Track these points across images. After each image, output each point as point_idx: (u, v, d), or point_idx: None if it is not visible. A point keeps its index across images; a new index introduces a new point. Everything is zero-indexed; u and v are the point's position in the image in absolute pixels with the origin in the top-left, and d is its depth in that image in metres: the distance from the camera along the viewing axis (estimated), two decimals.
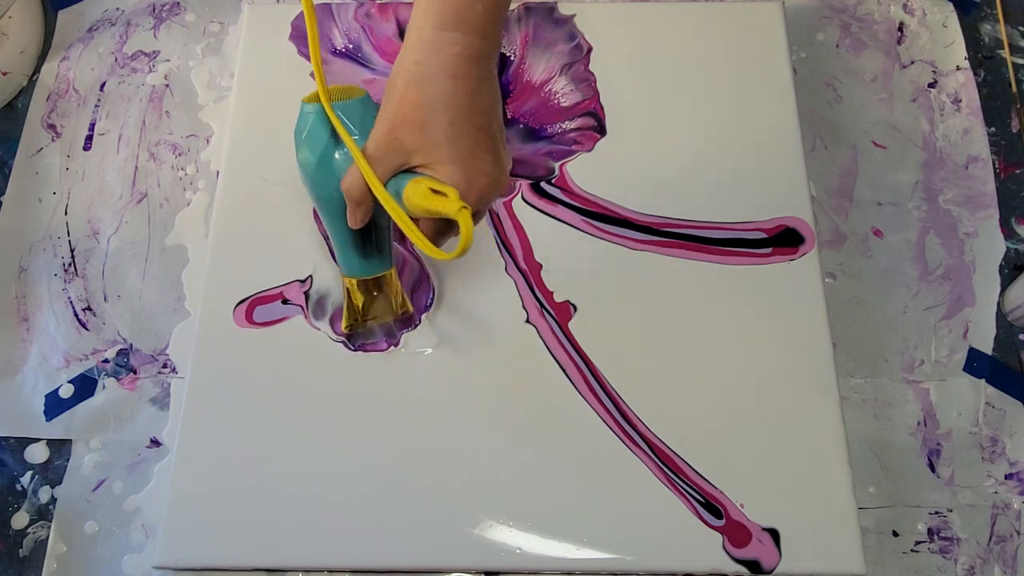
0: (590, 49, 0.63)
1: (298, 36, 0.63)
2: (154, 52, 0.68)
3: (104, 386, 0.57)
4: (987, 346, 0.57)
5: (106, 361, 0.58)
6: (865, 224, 0.61)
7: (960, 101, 0.65)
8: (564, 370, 0.53)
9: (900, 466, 0.54)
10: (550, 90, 0.62)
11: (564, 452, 0.51)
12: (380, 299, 0.52)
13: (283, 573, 0.51)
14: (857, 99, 0.65)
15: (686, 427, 0.51)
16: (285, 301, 0.55)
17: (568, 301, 0.55)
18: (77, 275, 0.60)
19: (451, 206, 0.40)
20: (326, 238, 0.56)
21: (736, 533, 0.49)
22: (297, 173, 0.48)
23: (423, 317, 0.55)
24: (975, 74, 0.66)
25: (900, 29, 0.67)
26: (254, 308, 0.55)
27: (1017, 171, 0.63)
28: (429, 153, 0.42)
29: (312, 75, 0.62)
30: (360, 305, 0.52)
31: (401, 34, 0.64)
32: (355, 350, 0.54)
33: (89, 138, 0.65)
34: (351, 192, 0.44)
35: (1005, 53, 0.66)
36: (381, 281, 0.52)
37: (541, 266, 0.56)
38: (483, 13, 0.41)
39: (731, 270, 0.55)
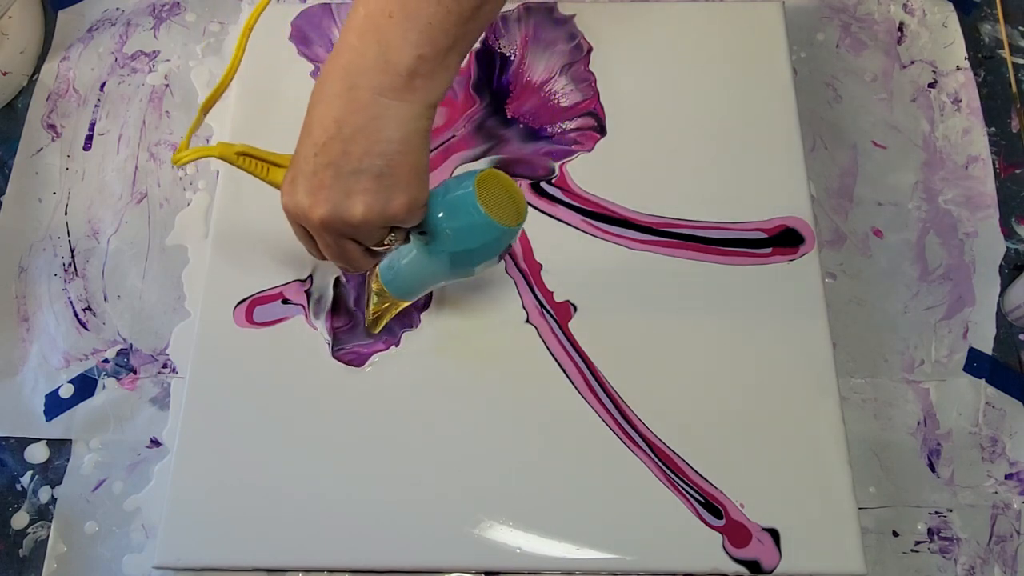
0: (590, 49, 0.63)
1: (298, 36, 0.63)
2: (154, 52, 0.68)
3: (104, 386, 0.57)
4: (987, 346, 0.57)
5: (106, 361, 0.58)
6: (865, 224, 0.61)
7: (960, 101, 0.65)
8: (564, 370, 0.53)
9: (900, 466, 0.54)
10: (550, 90, 0.62)
11: (564, 452, 0.51)
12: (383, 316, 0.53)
13: (283, 573, 0.51)
14: (857, 99, 0.65)
15: (686, 427, 0.51)
16: (285, 301, 0.55)
17: (568, 301, 0.55)
18: (77, 275, 0.60)
19: (275, 174, 0.43)
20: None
21: (736, 533, 0.49)
22: None
23: (422, 317, 0.55)
24: (975, 74, 0.66)
25: (900, 29, 0.67)
26: (254, 308, 0.55)
27: (1017, 171, 0.63)
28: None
29: (312, 75, 0.62)
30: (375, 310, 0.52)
31: None
32: (341, 352, 0.54)
33: (89, 138, 0.65)
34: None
35: (1005, 53, 0.66)
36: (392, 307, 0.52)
37: (541, 266, 0.56)
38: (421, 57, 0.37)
39: (731, 270, 0.55)
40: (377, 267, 0.50)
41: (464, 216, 0.43)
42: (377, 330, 0.53)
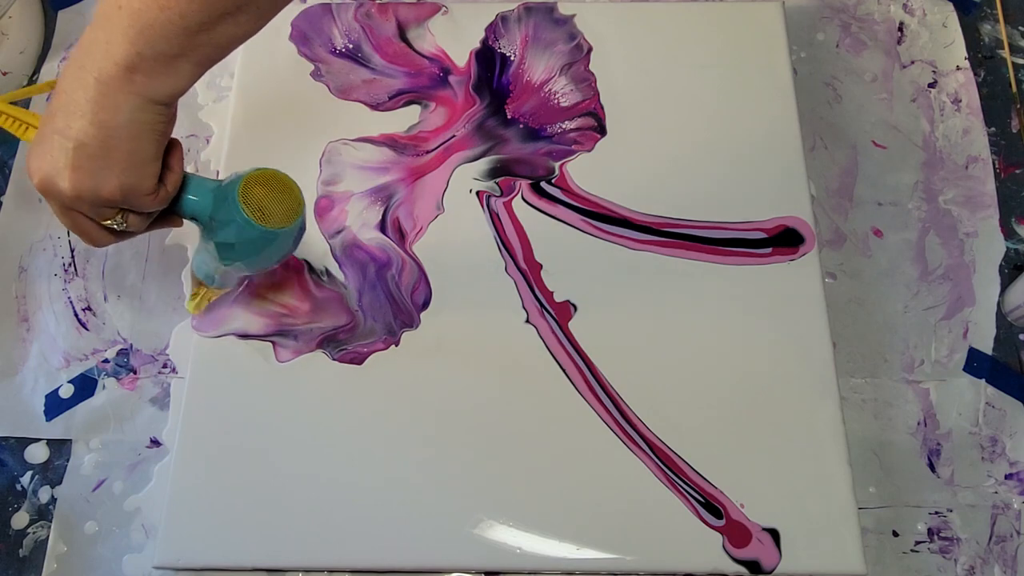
0: (590, 49, 0.63)
1: (298, 36, 0.63)
2: None
3: (104, 386, 0.57)
4: (987, 346, 0.57)
5: (106, 361, 0.58)
6: (865, 224, 0.61)
7: (960, 101, 0.65)
8: (564, 370, 0.53)
9: (900, 466, 0.54)
10: (550, 90, 0.62)
11: (564, 452, 0.51)
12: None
13: (283, 573, 0.51)
14: (857, 99, 0.65)
15: (686, 427, 0.51)
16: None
17: (568, 301, 0.55)
18: (77, 275, 0.60)
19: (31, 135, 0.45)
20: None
21: (736, 533, 0.49)
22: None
23: (422, 317, 0.55)
24: (975, 74, 0.66)
25: (900, 29, 0.67)
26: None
27: (1017, 171, 0.63)
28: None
29: (312, 75, 0.62)
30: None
31: (401, 34, 0.64)
32: (334, 359, 0.54)
33: None
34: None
35: (1005, 53, 0.66)
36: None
37: (541, 266, 0.56)
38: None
39: (731, 270, 0.55)
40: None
41: (224, 211, 0.43)
42: (197, 312, 0.53)
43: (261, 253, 0.45)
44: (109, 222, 0.43)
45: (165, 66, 0.39)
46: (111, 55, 0.38)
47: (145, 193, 0.42)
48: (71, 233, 0.61)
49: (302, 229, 0.46)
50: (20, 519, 0.54)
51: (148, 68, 0.38)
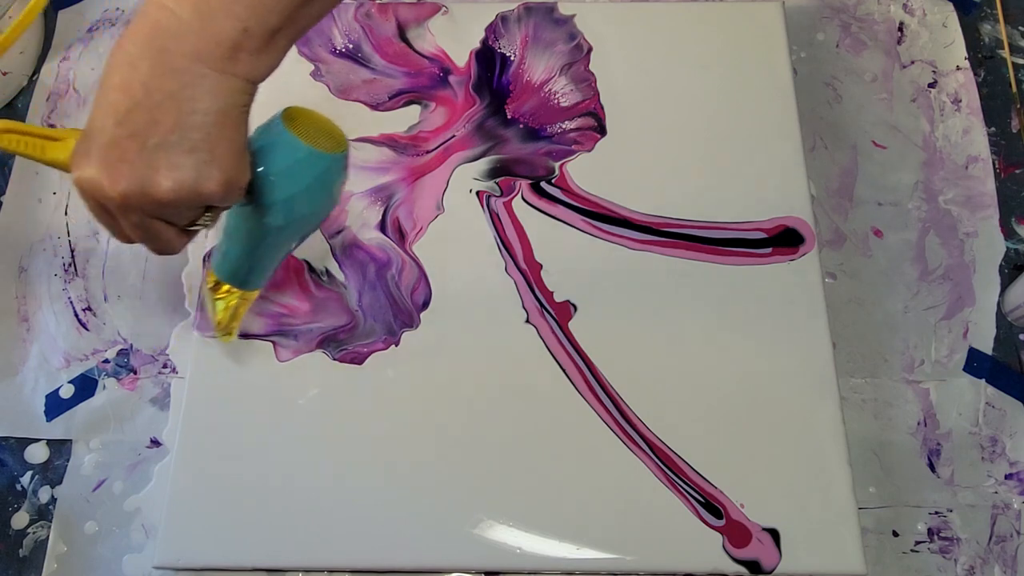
0: (590, 49, 0.63)
1: None
2: None
3: (104, 386, 0.57)
4: (987, 346, 0.57)
5: (106, 361, 0.58)
6: (865, 224, 0.61)
7: (960, 101, 0.65)
8: (564, 370, 0.53)
9: (900, 466, 0.54)
10: (550, 90, 0.62)
11: (564, 452, 0.51)
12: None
13: (283, 573, 0.51)
14: (857, 99, 0.65)
15: (686, 427, 0.51)
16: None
17: (568, 301, 0.55)
18: (77, 275, 0.60)
19: (54, 151, 0.38)
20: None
21: (736, 533, 0.49)
22: None
23: (422, 317, 0.55)
24: (975, 74, 0.66)
25: (900, 29, 0.67)
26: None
27: (1017, 171, 0.63)
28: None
29: (312, 75, 0.62)
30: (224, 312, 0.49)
31: (401, 34, 0.64)
32: (335, 359, 0.54)
33: None
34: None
35: (1005, 53, 0.66)
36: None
37: (541, 266, 0.56)
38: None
39: (731, 270, 0.55)
40: (208, 268, 0.46)
41: (283, 155, 0.39)
42: (233, 335, 0.50)
43: (331, 189, 0.42)
44: (199, 223, 0.39)
45: (267, 42, 0.35)
46: (211, 34, 0.33)
47: (242, 185, 0.38)
48: (71, 233, 0.62)
49: (346, 166, 0.42)
50: (20, 519, 0.54)
51: (253, 46, 0.34)
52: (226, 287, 0.47)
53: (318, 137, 0.41)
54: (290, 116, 0.41)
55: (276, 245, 0.44)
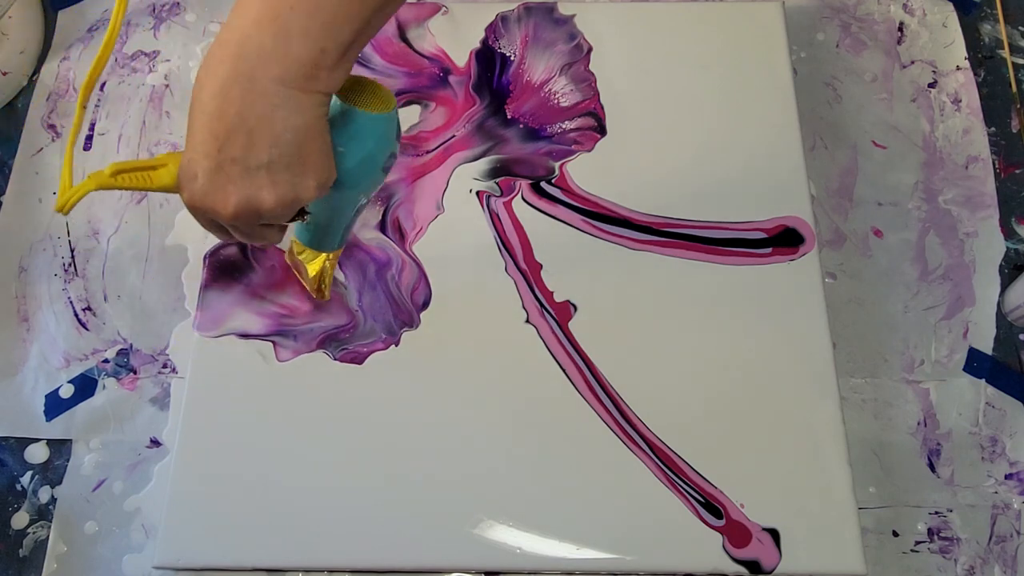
0: (590, 49, 0.63)
1: None
2: (154, 52, 0.68)
3: (104, 386, 0.57)
4: (987, 346, 0.57)
5: (106, 361, 0.58)
6: (865, 224, 0.61)
7: (960, 101, 0.65)
8: (564, 370, 0.53)
9: (900, 466, 0.54)
10: (550, 90, 0.62)
11: (564, 452, 0.51)
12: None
13: (283, 573, 0.51)
14: (857, 99, 0.65)
15: (686, 427, 0.51)
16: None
17: (568, 301, 0.55)
18: (77, 275, 0.60)
19: (159, 177, 0.41)
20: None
21: (736, 533, 0.49)
22: None
23: (422, 317, 0.55)
24: (975, 74, 0.66)
25: (900, 29, 0.67)
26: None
27: (1017, 171, 0.63)
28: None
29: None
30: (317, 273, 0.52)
31: (401, 34, 0.64)
32: (336, 359, 0.54)
33: (89, 138, 0.65)
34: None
35: (1005, 53, 0.66)
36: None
37: (541, 266, 0.56)
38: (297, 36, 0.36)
39: (731, 270, 0.55)
40: (292, 238, 0.50)
41: (346, 128, 0.42)
42: (328, 294, 0.53)
43: (393, 143, 0.45)
44: (299, 217, 0.43)
45: (342, 57, 0.38)
46: (292, 58, 0.36)
47: (331, 183, 0.41)
48: (71, 233, 0.62)
49: (398, 120, 0.45)
50: (20, 519, 0.54)
51: (331, 63, 0.37)
52: (312, 252, 0.50)
53: (371, 101, 0.43)
54: (342, 88, 0.43)
55: (351, 207, 0.47)
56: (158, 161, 0.42)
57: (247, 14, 0.36)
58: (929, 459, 0.54)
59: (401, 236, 0.57)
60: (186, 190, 0.40)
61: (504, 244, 0.57)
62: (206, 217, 0.41)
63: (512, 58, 0.63)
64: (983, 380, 0.56)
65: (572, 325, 0.54)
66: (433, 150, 0.60)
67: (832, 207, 0.61)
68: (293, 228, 0.49)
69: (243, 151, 0.38)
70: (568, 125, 0.60)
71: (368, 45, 0.63)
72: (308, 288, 0.53)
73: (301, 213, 0.43)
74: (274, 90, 0.37)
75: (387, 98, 0.44)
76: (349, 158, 0.43)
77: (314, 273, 0.51)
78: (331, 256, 0.51)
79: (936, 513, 0.53)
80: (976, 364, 0.57)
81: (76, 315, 0.59)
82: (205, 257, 0.57)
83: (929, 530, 0.53)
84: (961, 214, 0.61)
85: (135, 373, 0.57)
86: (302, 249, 0.50)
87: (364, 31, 0.38)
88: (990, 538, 0.53)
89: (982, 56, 0.67)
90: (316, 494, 0.50)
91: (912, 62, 0.66)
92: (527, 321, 0.54)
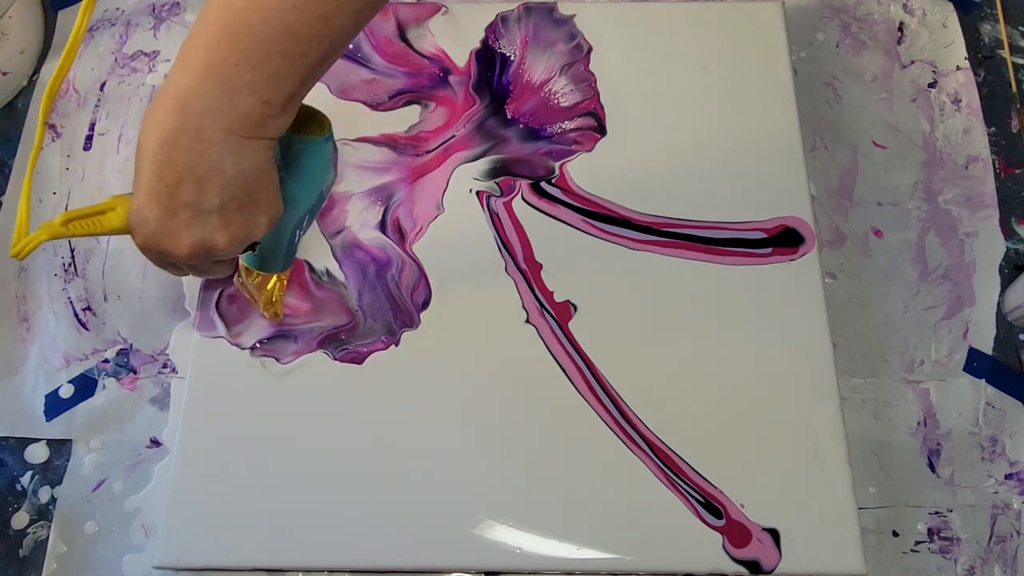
0: (590, 49, 0.63)
1: None
2: (154, 52, 0.68)
3: (104, 386, 0.57)
4: (987, 346, 0.57)
5: (106, 361, 0.58)
6: (865, 224, 0.61)
7: (960, 101, 0.65)
8: (564, 370, 0.53)
9: (900, 466, 0.54)
10: (550, 90, 0.62)
11: (564, 452, 0.51)
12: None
13: (283, 573, 0.51)
14: (857, 99, 0.65)
15: (686, 427, 0.51)
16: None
17: (568, 301, 0.55)
18: (77, 275, 0.60)
19: (109, 220, 0.42)
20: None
21: (736, 533, 0.49)
22: None
23: (422, 317, 0.55)
24: (975, 74, 0.66)
25: (900, 29, 0.67)
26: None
27: (1017, 171, 0.63)
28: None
29: None
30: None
31: (401, 34, 0.64)
32: (336, 359, 0.54)
33: (89, 138, 0.65)
34: None
35: (1005, 53, 0.66)
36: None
37: (541, 266, 0.56)
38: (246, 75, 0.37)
39: (731, 270, 0.55)
40: (241, 263, 0.51)
41: (285, 155, 0.44)
42: (281, 314, 0.54)
43: (331, 162, 0.46)
44: (250, 249, 0.45)
45: (287, 106, 0.39)
46: (239, 111, 0.37)
47: (280, 215, 0.43)
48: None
49: (333, 140, 0.47)
50: (20, 519, 0.54)
51: (276, 112, 0.38)
52: (262, 274, 0.51)
53: (310, 127, 0.45)
54: None
55: (297, 228, 0.49)
56: (106, 205, 0.43)
57: (191, 68, 0.37)
58: (929, 459, 0.54)
59: (401, 236, 0.57)
60: (139, 234, 0.41)
61: (504, 244, 0.57)
62: (160, 258, 0.43)
63: (512, 58, 0.63)
64: (983, 380, 0.56)
65: (572, 325, 0.54)
66: (433, 150, 0.60)
67: (832, 207, 0.61)
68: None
69: (194, 197, 0.39)
70: (568, 125, 0.60)
71: (368, 45, 0.63)
72: (261, 309, 0.53)
73: (252, 246, 0.45)
74: (222, 139, 0.38)
75: (324, 120, 0.45)
76: (293, 184, 0.45)
77: (266, 295, 0.52)
78: (281, 276, 0.51)
79: (936, 513, 0.53)
80: (976, 364, 0.57)
81: (76, 315, 0.59)
82: None
83: (929, 530, 0.53)
84: (961, 214, 0.61)
85: (135, 373, 0.57)
86: (251, 272, 0.51)
87: (309, 79, 0.39)
88: (990, 538, 0.53)
89: (982, 56, 0.67)
90: (316, 494, 0.50)
91: (912, 62, 0.66)
92: (527, 321, 0.54)
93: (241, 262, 0.51)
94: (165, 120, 0.38)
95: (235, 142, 0.38)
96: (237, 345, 0.54)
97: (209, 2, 0.37)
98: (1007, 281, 0.59)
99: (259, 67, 0.37)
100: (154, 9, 0.69)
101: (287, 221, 0.47)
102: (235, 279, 0.52)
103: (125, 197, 0.42)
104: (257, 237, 0.43)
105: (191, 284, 0.59)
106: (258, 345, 0.54)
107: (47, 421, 0.56)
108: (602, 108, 0.61)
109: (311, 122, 0.45)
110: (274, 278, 0.51)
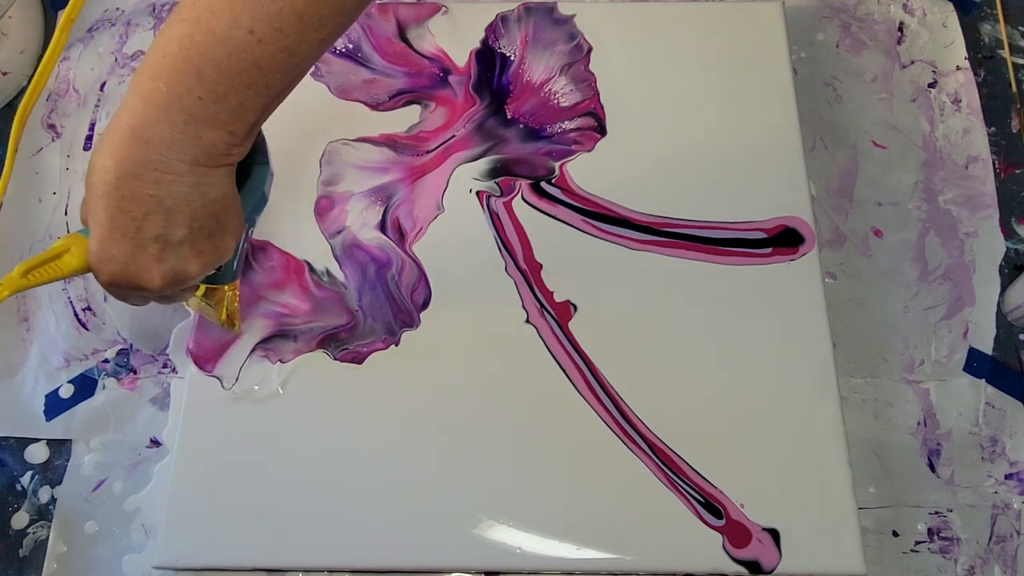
0: (590, 49, 0.63)
1: None
2: None
3: (104, 386, 0.57)
4: (987, 346, 0.57)
5: (106, 361, 0.58)
6: (865, 224, 0.61)
7: (960, 101, 0.65)
8: (564, 370, 0.53)
9: (900, 466, 0.54)
10: (550, 90, 0.62)
11: (564, 452, 0.51)
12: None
13: (283, 573, 0.51)
14: (857, 99, 0.65)
15: (686, 427, 0.51)
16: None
17: (568, 301, 0.55)
18: None
19: (67, 262, 0.41)
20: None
21: (736, 533, 0.49)
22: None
23: (422, 317, 0.55)
24: (975, 74, 0.66)
25: (900, 29, 0.67)
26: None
27: (1017, 171, 0.63)
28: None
29: (312, 74, 0.62)
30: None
31: (401, 34, 0.64)
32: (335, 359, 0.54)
33: (89, 138, 0.65)
34: None
35: (1005, 53, 0.66)
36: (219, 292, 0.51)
37: (541, 266, 0.56)
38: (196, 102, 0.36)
39: (731, 270, 0.55)
40: None
41: (242, 181, 0.44)
42: (239, 325, 0.53)
43: (258, 184, 0.46)
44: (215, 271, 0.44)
45: (249, 134, 0.39)
46: (204, 143, 0.37)
47: (244, 235, 0.44)
48: None
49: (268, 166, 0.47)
50: (20, 519, 0.54)
51: (239, 141, 0.39)
52: (212, 288, 0.50)
53: (255, 152, 0.45)
54: None
55: (244, 241, 0.48)
56: (60, 247, 0.42)
57: (150, 99, 0.36)
58: (929, 459, 0.54)
59: (401, 236, 0.57)
60: (103, 272, 0.40)
61: (504, 244, 0.57)
62: (129, 292, 0.42)
63: (512, 58, 0.63)
64: (983, 380, 0.56)
65: (572, 325, 0.54)
66: (433, 150, 0.60)
67: (832, 207, 0.61)
68: None
69: (163, 229, 0.39)
70: (568, 125, 0.60)
71: (368, 45, 0.63)
72: (217, 323, 0.52)
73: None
74: (189, 170, 0.37)
75: (261, 143, 0.46)
76: (247, 206, 0.45)
77: (220, 308, 0.51)
78: (231, 287, 0.50)
79: (936, 513, 0.53)
80: (976, 364, 0.57)
81: (76, 315, 0.59)
82: None
83: (929, 530, 0.53)
84: (961, 214, 0.61)
85: (135, 373, 0.57)
86: (202, 288, 0.50)
87: (272, 106, 0.39)
88: (990, 538, 0.53)
89: (982, 56, 0.67)
90: (316, 494, 0.50)
91: (912, 62, 0.66)
92: (527, 321, 0.54)
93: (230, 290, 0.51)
94: (126, 153, 0.37)
95: (201, 172, 0.38)
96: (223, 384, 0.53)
97: (165, 33, 0.36)
98: (1007, 281, 0.59)
99: (223, 100, 0.36)
100: (154, 9, 0.69)
101: None
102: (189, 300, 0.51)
103: (78, 236, 0.41)
104: (227, 260, 0.43)
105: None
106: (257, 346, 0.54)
107: (47, 421, 0.56)
108: (602, 108, 0.61)
109: (256, 147, 0.45)
110: (223, 290, 0.50)
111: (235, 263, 0.48)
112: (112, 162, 0.37)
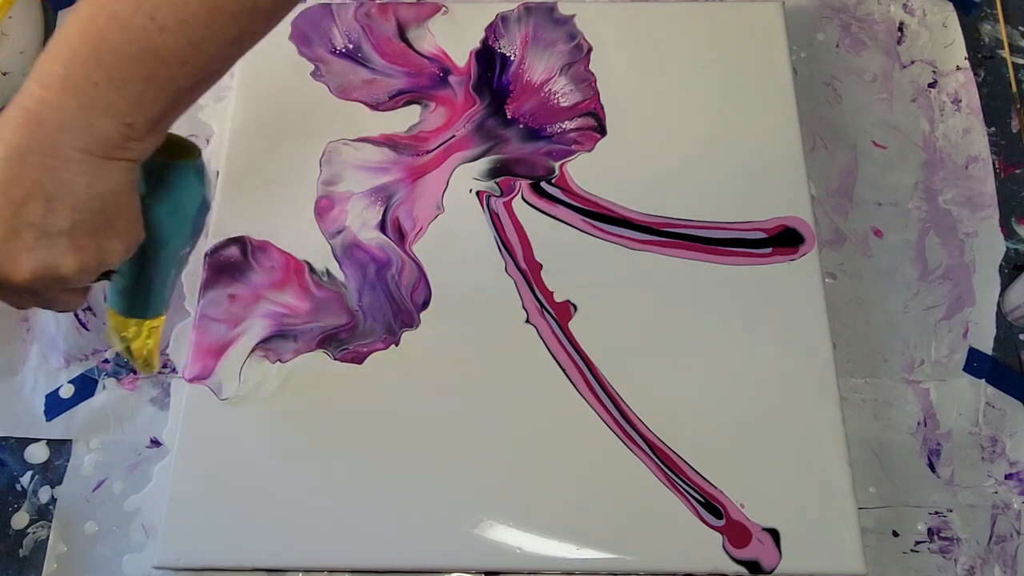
0: (590, 49, 0.63)
1: (298, 36, 0.63)
2: None
3: (104, 386, 0.57)
4: (987, 346, 0.57)
5: (106, 361, 0.58)
6: (865, 224, 0.61)
7: (960, 101, 0.65)
8: (564, 370, 0.53)
9: (900, 466, 0.54)
10: (550, 90, 0.62)
11: (564, 452, 0.51)
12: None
13: (283, 573, 0.51)
14: (857, 99, 0.65)
15: (686, 427, 0.51)
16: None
17: (568, 301, 0.55)
18: None
19: None
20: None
21: (736, 533, 0.49)
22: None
23: (422, 317, 0.55)
24: (975, 74, 0.66)
25: (900, 29, 0.67)
26: None
27: (1017, 171, 0.63)
28: None
29: (312, 75, 0.62)
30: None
31: (401, 34, 0.64)
32: (335, 359, 0.54)
33: None
34: None
35: (1005, 53, 0.66)
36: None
37: (541, 266, 0.56)
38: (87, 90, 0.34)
39: (731, 270, 0.55)
40: (107, 311, 0.46)
41: (150, 181, 0.41)
42: (156, 366, 0.49)
43: (205, 189, 0.43)
44: (99, 280, 0.41)
45: (151, 130, 0.37)
46: (98, 130, 0.35)
47: (138, 243, 0.40)
48: None
49: (205, 169, 0.44)
50: (20, 519, 0.54)
51: (138, 135, 0.36)
52: (133, 322, 0.46)
53: (175, 151, 0.42)
54: None
55: (166, 265, 0.45)
56: None
57: (48, 82, 0.35)
58: (929, 459, 0.54)
59: (401, 236, 0.57)
60: None
61: (504, 244, 0.57)
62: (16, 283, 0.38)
63: (512, 58, 0.63)
64: (983, 380, 0.56)
65: (572, 325, 0.54)
66: (433, 150, 0.60)
67: (832, 207, 0.61)
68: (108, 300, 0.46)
69: (41, 217, 0.36)
70: (568, 125, 0.60)
71: (368, 45, 0.63)
72: (131, 361, 0.48)
73: (107, 274, 0.41)
74: (79, 158, 0.35)
75: (191, 147, 0.43)
76: (160, 210, 0.41)
77: (138, 346, 0.47)
78: (152, 324, 0.47)
79: (936, 513, 0.53)
80: (976, 364, 0.57)
81: (76, 315, 0.59)
82: (205, 256, 0.57)
83: (929, 530, 0.53)
84: (961, 214, 0.61)
85: (135, 373, 0.57)
86: (121, 322, 0.46)
87: (179, 104, 0.37)
88: (990, 538, 0.53)
89: (982, 56, 0.67)
90: (316, 494, 0.50)
91: (912, 62, 0.66)
92: (527, 321, 0.54)
93: (110, 310, 0.46)
94: (14, 134, 0.35)
95: (92, 162, 0.36)
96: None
97: (72, 15, 0.35)
98: (1007, 281, 0.59)
99: (121, 89, 0.35)
100: None
101: (156, 257, 0.43)
102: (103, 334, 0.47)
103: None
104: (111, 264, 0.39)
105: (191, 282, 0.59)
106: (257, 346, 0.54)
107: (47, 421, 0.56)
108: (602, 108, 0.61)
109: (179, 147, 0.42)
110: (146, 327, 0.46)
111: (156, 291, 0.45)
112: (0, 143, 0.35)
